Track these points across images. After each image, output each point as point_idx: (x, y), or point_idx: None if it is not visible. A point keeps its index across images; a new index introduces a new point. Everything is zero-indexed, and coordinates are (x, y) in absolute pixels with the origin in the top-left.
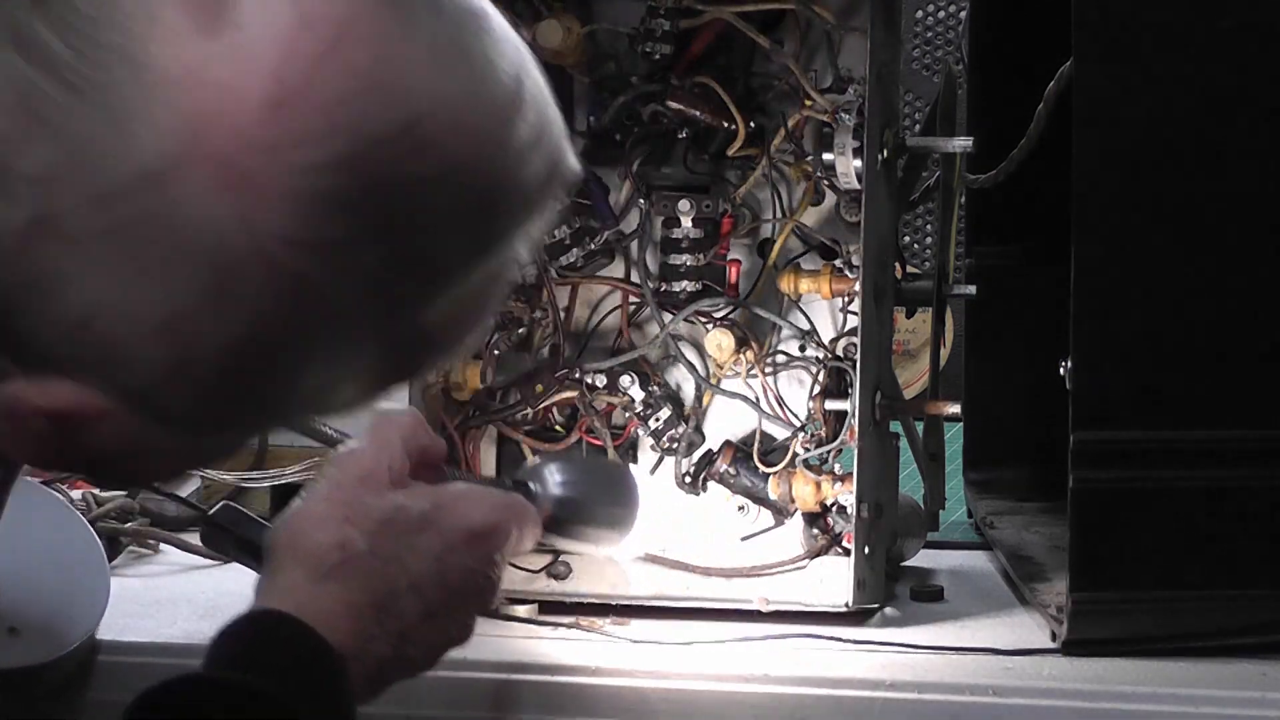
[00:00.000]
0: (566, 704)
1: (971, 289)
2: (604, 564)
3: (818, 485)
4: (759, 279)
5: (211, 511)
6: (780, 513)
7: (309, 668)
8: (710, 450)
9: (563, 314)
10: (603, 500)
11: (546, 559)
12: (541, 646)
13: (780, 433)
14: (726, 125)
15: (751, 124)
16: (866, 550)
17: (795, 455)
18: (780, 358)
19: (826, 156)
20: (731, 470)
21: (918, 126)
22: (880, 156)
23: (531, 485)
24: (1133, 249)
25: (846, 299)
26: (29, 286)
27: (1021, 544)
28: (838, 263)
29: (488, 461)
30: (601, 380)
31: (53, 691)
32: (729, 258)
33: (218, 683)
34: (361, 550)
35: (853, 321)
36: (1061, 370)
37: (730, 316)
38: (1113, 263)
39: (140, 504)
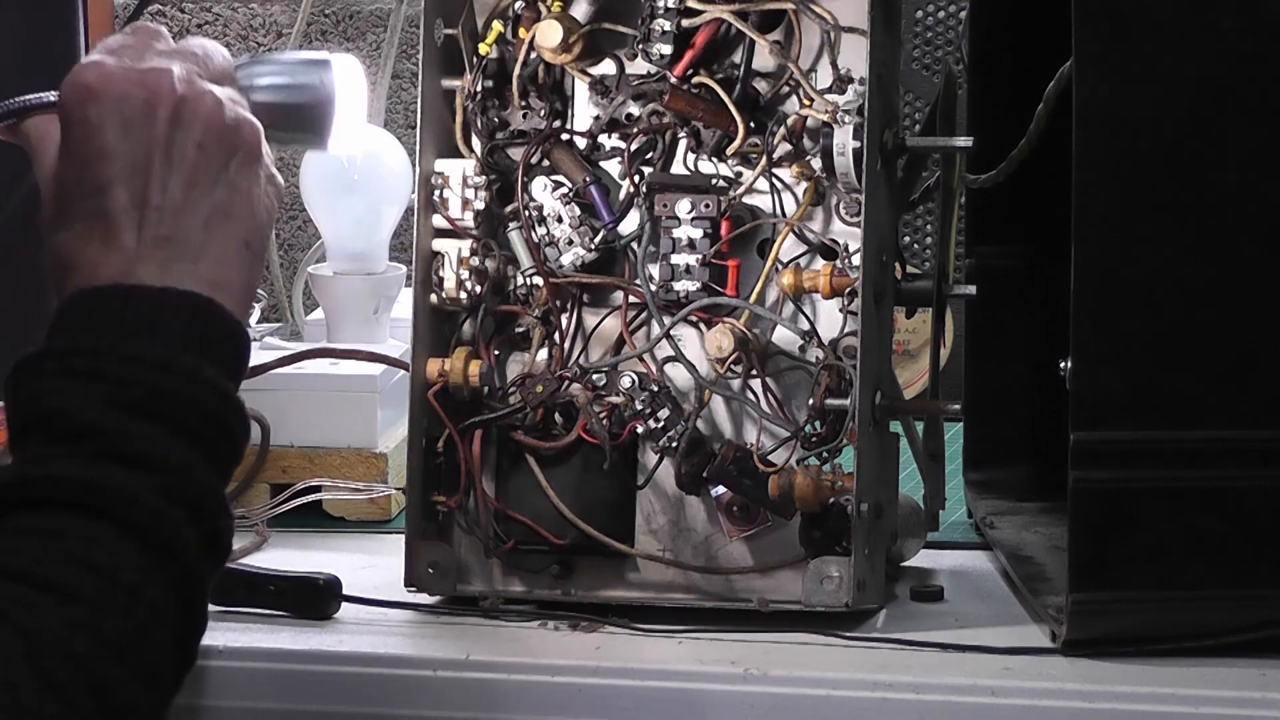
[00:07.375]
0: (566, 704)
1: (971, 289)
2: (604, 564)
3: (818, 485)
4: (759, 279)
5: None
6: (780, 513)
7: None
8: (710, 450)
9: (563, 314)
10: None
11: (546, 562)
12: (542, 646)
13: (780, 433)
14: (726, 125)
15: (751, 124)
16: (866, 550)
17: (795, 455)
18: (780, 358)
19: (826, 157)
20: (731, 470)
21: (918, 126)
22: (880, 157)
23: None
24: (1133, 249)
25: (846, 299)
26: None
27: (1021, 544)
28: (838, 263)
29: (488, 462)
30: (601, 380)
31: None
32: (729, 258)
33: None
34: None
35: (853, 322)
36: (1061, 370)
37: (730, 317)
38: (1113, 263)
39: None
